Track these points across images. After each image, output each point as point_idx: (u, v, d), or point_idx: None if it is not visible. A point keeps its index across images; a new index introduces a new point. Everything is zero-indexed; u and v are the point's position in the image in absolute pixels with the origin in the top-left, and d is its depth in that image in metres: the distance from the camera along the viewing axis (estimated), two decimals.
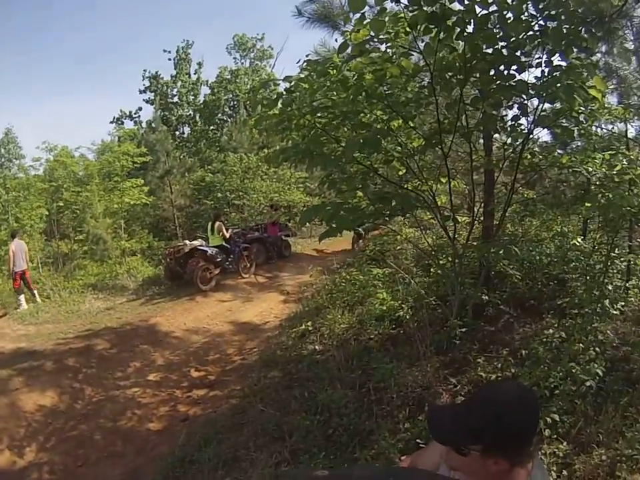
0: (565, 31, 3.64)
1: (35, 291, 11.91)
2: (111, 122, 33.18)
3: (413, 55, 4.20)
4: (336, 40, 6.45)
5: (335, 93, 4.27)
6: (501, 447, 1.15)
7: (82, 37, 57.85)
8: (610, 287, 4.67)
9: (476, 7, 3.46)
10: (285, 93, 4.35)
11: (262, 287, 11.50)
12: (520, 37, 3.63)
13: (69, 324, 9.69)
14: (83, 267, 15.22)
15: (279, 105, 4.45)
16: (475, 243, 5.43)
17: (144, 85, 33.30)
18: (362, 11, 3.48)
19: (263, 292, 11.00)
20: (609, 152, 4.69)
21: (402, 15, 3.54)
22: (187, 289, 11.23)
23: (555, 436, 3.21)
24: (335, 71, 4.11)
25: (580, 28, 3.75)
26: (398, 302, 5.67)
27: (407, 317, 5.25)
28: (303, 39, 41.99)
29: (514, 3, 3.56)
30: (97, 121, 57.29)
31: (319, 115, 4.44)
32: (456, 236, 5.23)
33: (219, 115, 32.66)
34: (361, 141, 3.94)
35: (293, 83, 4.27)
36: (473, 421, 1.17)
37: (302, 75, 4.30)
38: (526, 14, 3.61)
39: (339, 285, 7.49)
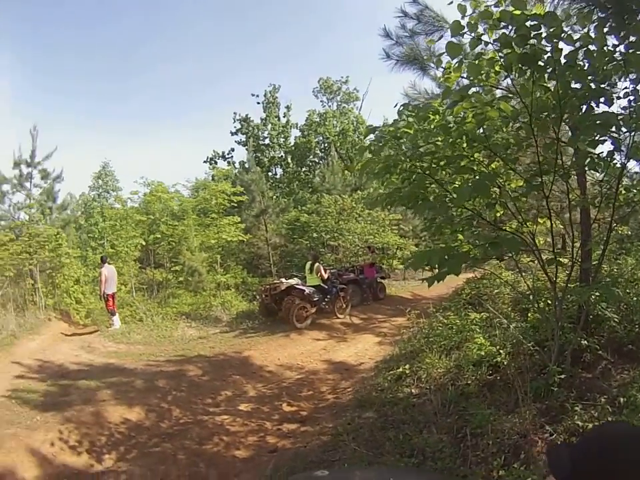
0: None
1: (117, 316, 12.59)
2: (205, 161, 35.08)
3: (506, 96, 4.21)
4: (439, 85, 6.51)
5: (439, 138, 4.30)
6: None
7: (172, 77, 63.10)
8: None
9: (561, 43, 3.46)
10: (391, 138, 4.42)
11: (357, 328, 11.52)
12: (605, 68, 3.57)
13: (160, 347, 10.20)
14: (177, 296, 15.80)
15: (379, 150, 4.52)
16: (572, 286, 5.20)
17: (235, 127, 34.97)
18: (459, 57, 3.57)
19: (358, 333, 11.02)
20: None
21: (492, 56, 3.59)
22: (281, 325, 11.48)
23: None
24: (437, 115, 4.18)
25: None
26: (496, 347, 5.51)
27: (505, 362, 5.08)
28: (385, 81, 42.84)
29: (595, 35, 3.54)
30: (187, 160, 61.31)
31: (420, 158, 4.48)
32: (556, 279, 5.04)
33: (310, 157, 33.48)
34: (472, 187, 3.92)
35: (398, 129, 4.35)
36: (590, 457, 1.14)
37: (405, 120, 4.38)
38: (609, 44, 3.58)
39: (436, 329, 7.34)
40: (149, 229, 17.01)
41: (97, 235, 26.15)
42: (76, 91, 64.19)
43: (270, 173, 33.12)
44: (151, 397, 6.92)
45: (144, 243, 16.47)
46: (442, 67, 3.96)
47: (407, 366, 6.38)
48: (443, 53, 3.75)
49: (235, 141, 35.12)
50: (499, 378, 5.08)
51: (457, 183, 4.63)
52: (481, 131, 4.13)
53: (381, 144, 4.51)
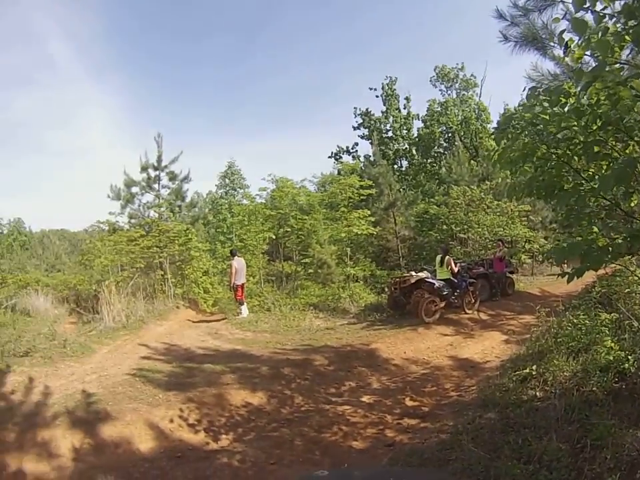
0: None
1: (245, 305, 13.21)
2: (329, 157, 36.42)
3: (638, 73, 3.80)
4: (559, 65, 6.04)
5: (574, 123, 3.95)
6: None
7: (289, 79, 65.61)
8: None
9: None
10: (528, 125, 4.15)
11: (484, 325, 11.11)
12: None
13: (287, 336, 10.54)
14: (305, 288, 16.34)
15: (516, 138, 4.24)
16: None
17: (356, 121, 35.76)
18: (586, 34, 3.30)
19: (485, 329, 10.61)
20: None
21: (614, 29, 3.28)
22: (409, 319, 11.41)
23: None
24: (570, 98, 3.89)
25: None
26: (624, 352, 5.04)
27: (632, 370, 4.63)
28: (502, 65, 41.19)
29: None
30: (311, 157, 63.75)
31: (555, 145, 4.18)
32: None
33: (435, 147, 33.14)
34: (614, 176, 3.61)
35: (536, 115, 4.07)
36: None
37: (540, 105, 4.09)
38: None
39: (565, 329, 6.87)
40: (277, 223, 17.65)
41: (225, 230, 27.98)
42: (202, 100, 70.30)
43: (395, 166, 33.25)
44: (274, 383, 7.21)
45: (273, 237, 17.17)
46: (564, 46, 3.66)
47: (534, 367, 6.00)
48: (563, 30, 3.49)
49: (358, 135, 36.05)
50: (624, 386, 4.66)
51: (590, 170, 4.28)
52: (614, 112, 3.79)
53: (518, 131, 4.24)
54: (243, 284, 13.46)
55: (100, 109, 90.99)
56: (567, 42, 3.57)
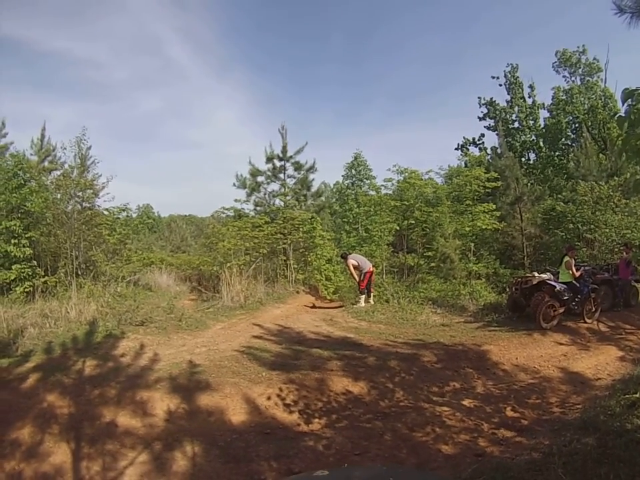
0: None
1: (364, 295, 13.48)
2: (456, 148, 35.95)
3: None
4: None
5: None
6: None
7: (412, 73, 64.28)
8: None
9: None
10: None
11: (602, 337, 10.40)
12: None
13: (401, 329, 10.59)
14: (426, 281, 16.23)
15: None
16: None
17: (481, 112, 34.95)
18: None
19: (602, 343, 9.92)
20: None
21: None
22: (526, 322, 11.04)
23: None
24: None
25: None
26: None
27: None
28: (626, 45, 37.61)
29: None
30: (434, 148, 65.68)
31: None
32: None
33: (562, 139, 31.12)
34: None
35: None
36: None
37: None
38: None
39: None
40: (402, 214, 17.61)
41: (351, 220, 28.34)
42: (328, 94, 71.67)
43: (523, 159, 31.77)
44: (378, 375, 7.32)
45: (398, 228, 17.27)
46: None
47: None
48: None
49: (484, 126, 35.18)
50: None
51: None
52: None
53: None
54: (370, 272, 13.80)
55: (226, 104, 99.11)
56: None
